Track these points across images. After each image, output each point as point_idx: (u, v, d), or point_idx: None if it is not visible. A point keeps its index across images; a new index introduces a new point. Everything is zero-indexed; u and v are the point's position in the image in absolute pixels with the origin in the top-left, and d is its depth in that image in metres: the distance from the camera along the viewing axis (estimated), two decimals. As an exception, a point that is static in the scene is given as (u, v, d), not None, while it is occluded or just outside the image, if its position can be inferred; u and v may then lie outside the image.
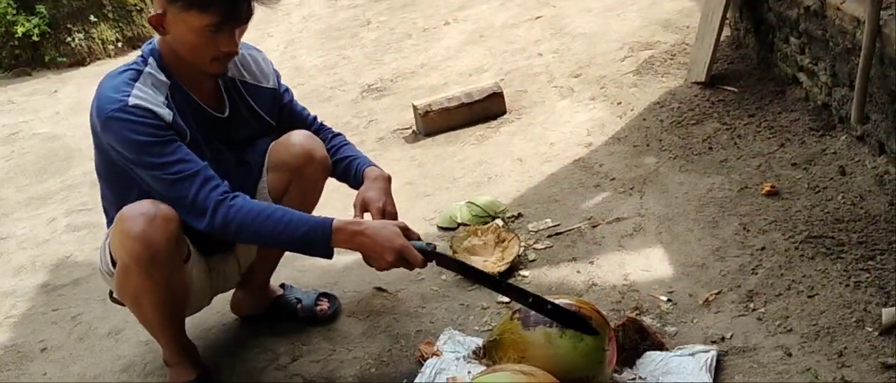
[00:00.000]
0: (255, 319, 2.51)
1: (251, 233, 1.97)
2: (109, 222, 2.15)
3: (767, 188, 2.66)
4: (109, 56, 6.03)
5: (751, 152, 2.93)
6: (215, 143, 2.12)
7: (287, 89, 2.34)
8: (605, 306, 2.27)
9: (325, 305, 2.48)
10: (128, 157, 1.96)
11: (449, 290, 2.51)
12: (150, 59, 2.04)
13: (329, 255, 1.98)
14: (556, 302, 1.91)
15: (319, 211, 3.10)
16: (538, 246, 2.67)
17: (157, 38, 2.06)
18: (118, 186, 2.09)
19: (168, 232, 1.96)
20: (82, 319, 2.75)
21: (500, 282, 2.09)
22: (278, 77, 2.31)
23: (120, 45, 6.05)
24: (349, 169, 2.28)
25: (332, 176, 2.33)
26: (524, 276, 2.53)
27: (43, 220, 3.60)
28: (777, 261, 2.32)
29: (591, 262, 2.53)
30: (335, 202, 3.20)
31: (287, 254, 2.45)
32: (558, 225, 2.77)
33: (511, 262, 2.55)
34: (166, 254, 1.97)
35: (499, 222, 2.83)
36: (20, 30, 5.80)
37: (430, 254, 1.94)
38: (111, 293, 2.26)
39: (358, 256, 2.00)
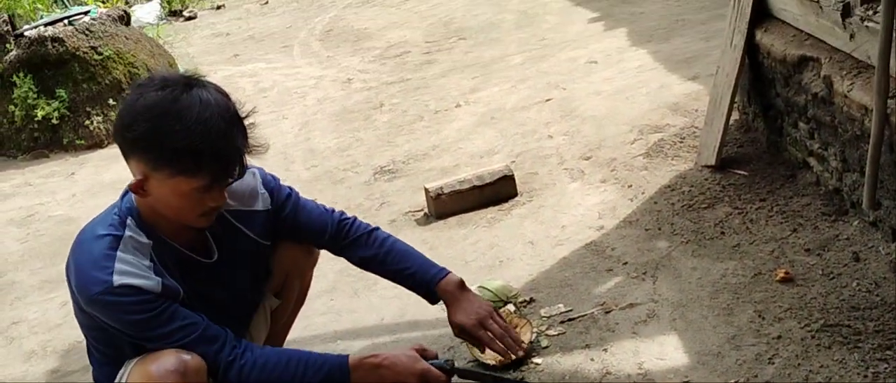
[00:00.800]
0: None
1: None
2: (101, 373, 2.04)
3: (781, 274, 2.65)
4: (126, 138, 6.12)
5: (763, 237, 2.93)
6: (203, 292, 2.00)
7: (289, 195, 2.19)
8: (619, 397, 2.24)
9: None
10: (124, 333, 1.88)
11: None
12: (129, 220, 1.90)
13: None
14: None
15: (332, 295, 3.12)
16: (551, 332, 2.65)
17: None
18: (108, 340, 1.97)
19: None
20: (91, 407, 2.73)
21: None
22: (275, 187, 2.16)
23: (137, 127, 6.14)
24: (414, 282, 2.22)
25: (392, 281, 2.28)
26: (537, 364, 2.50)
27: (56, 304, 3.60)
28: (794, 350, 2.30)
29: (605, 350, 2.50)
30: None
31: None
32: (571, 310, 2.75)
33: (524, 350, 2.52)
34: None
35: (511, 308, 2.81)
36: (40, 113, 5.93)
37: (451, 371, 2.00)
38: None
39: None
